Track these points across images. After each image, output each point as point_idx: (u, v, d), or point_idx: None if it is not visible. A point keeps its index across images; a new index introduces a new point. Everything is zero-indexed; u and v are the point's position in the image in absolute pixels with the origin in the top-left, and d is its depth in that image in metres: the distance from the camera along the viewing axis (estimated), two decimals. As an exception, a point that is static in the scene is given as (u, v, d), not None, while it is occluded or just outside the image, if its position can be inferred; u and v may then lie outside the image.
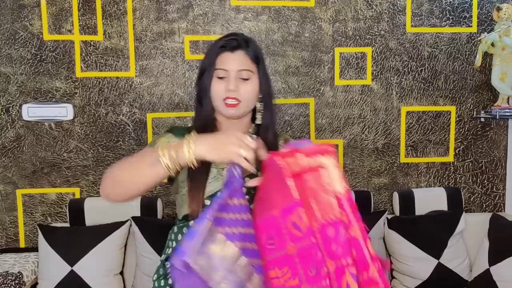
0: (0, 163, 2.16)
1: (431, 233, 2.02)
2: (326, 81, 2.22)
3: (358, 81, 2.23)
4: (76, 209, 2.05)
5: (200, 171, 1.11)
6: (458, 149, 2.29)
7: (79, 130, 2.17)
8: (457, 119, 2.27)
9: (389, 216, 2.13)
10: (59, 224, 2.14)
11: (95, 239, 1.95)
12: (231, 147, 0.95)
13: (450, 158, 2.29)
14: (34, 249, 2.11)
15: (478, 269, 1.98)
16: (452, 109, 2.27)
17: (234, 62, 1.18)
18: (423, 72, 2.25)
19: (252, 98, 1.21)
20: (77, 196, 2.18)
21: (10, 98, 2.14)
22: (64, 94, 2.15)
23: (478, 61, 2.09)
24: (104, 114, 2.17)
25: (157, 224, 2.01)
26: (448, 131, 2.28)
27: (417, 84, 2.25)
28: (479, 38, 2.12)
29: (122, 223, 2.01)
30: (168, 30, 2.16)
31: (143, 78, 2.17)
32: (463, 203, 2.20)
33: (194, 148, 0.96)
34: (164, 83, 2.18)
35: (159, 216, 2.11)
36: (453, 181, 2.30)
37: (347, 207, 0.94)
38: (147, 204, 2.07)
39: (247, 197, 1.04)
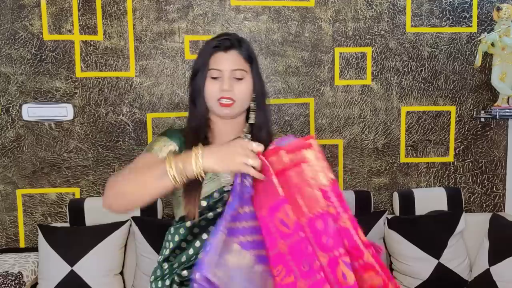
0: (0, 163, 2.16)
1: (431, 233, 2.02)
2: (326, 81, 2.22)
3: (358, 81, 2.23)
4: (76, 209, 2.05)
5: None
6: (458, 149, 2.29)
7: (79, 130, 2.17)
8: (457, 119, 2.27)
9: (389, 216, 2.13)
10: (59, 224, 2.14)
11: (95, 239, 1.95)
12: (238, 158, 0.94)
13: (450, 158, 2.29)
14: (34, 249, 2.11)
15: (478, 269, 1.98)
16: (452, 109, 2.27)
17: (227, 62, 1.18)
18: (423, 72, 2.25)
19: (246, 98, 1.21)
20: (77, 196, 2.19)
21: (10, 98, 2.14)
22: (64, 94, 2.15)
23: (478, 61, 2.09)
24: (104, 114, 2.17)
25: (157, 224, 2.01)
26: (448, 131, 2.28)
27: (417, 84, 2.25)
28: (479, 38, 2.12)
29: (122, 223, 2.01)
30: (168, 30, 2.16)
31: (143, 78, 2.17)
32: (463, 203, 2.20)
33: (201, 161, 0.96)
34: (164, 83, 2.18)
35: (159, 216, 2.11)
36: (453, 181, 2.30)
37: (334, 198, 0.94)
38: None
39: None
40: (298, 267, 0.94)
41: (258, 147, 0.97)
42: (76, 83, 2.15)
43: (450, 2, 2.22)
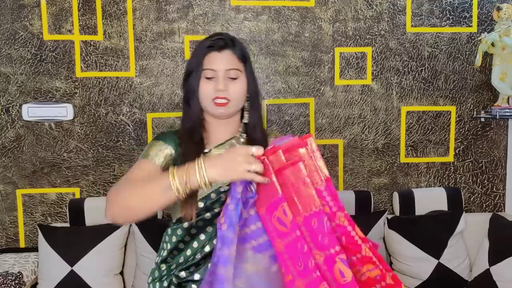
0: (0, 163, 2.16)
1: (431, 233, 2.02)
2: (326, 81, 2.22)
3: (358, 81, 2.23)
4: (76, 209, 2.05)
5: None
6: (458, 149, 2.29)
7: (79, 130, 2.17)
8: (457, 119, 2.27)
9: (389, 216, 2.13)
10: (59, 224, 2.14)
11: (95, 239, 1.95)
12: (241, 166, 0.95)
13: (450, 158, 2.29)
14: (34, 249, 2.11)
15: (478, 269, 1.98)
16: (452, 109, 2.27)
17: (222, 62, 1.18)
18: (423, 72, 2.25)
19: (241, 97, 1.21)
20: (77, 196, 2.19)
21: (10, 98, 2.14)
22: (64, 94, 2.15)
23: (478, 61, 2.09)
24: (104, 114, 2.17)
25: (157, 224, 2.01)
26: (448, 131, 2.28)
27: (417, 84, 2.25)
28: (479, 38, 2.12)
29: (122, 223, 2.01)
30: (168, 30, 2.16)
31: (143, 78, 2.17)
32: (463, 203, 2.20)
33: (205, 173, 0.96)
34: (164, 83, 2.18)
35: (159, 216, 2.11)
36: (453, 181, 2.30)
37: (328, 198, 0.96)
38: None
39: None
40: (294, 266, 0.95)
41: (258, 150, 0.97)
42: (76, 83, 2.15)
43: (450, 2, 2.22)
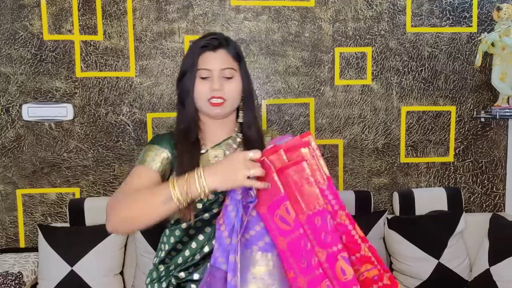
0: (0, 163, 2.16)
1: (431, 233, 2.02)
2: (326, 81, 2.22)
3: (358, 81, 2.23)
4: (76, 209, 2.05)
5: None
6: (458, 149, 2.29)
7: (79, 130, 2.17)
8: (457, 119, 2.27)
9: (389, 216, 2.13)
10: (59, 224, 2.14)
11: (95, 239, 1.95)
12: (240, 174, 0.95)
13: (450, 158, 2.29)
14: (34, 249, 2.11)
15: (478, 269, 1.98)
16: (452, 109, 2.27)
17: (216, 61, 1.18)
18: (423, 72, 2.25)
19: (236, 97, 1.21)
20: (77, 196, 2.19)
21: (10, 98, 2.14)
22: (64, 94, 2.15)
23: (478, 61, 2.09)
24: (104, 114, 2.17)
25: (157, 224, 2.01)
26: (448, 131, 2.28)
27: (417, 84, 2.25)
28: (479, 38, 2.12)
29: (122, 223, 2.00)
30: (168, 30, 2.16)
31: (143, 78, 2.17)
32: (463, 203, 2.20)
33: (204, 182, 0.97)
34: (164, 83, 2.18)
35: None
36: (453, 181, 2.30)
37: (330, 196, 0.97)
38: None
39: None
40: (297, 264, 0.96)
41: (255, 154, 0.97)
42: (76, 83, 2.15)
43: (450, 2, 2.22)
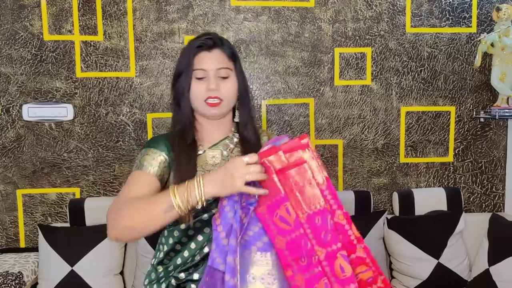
0: (0, 163, 2.16)
1: (431, 233, 2.02)
2: (326, 81, 2.23)
3: (358, 81, 2.23)
4: (76, 209, 2.05)
5: (187, 176, 1.12)
6: (457, 149, 2.29)
7: (79, 130, 2.17)
8: (457, 119, 2.28)
9: (389, 216, 2.13)
10: (59, 224, 2.14)
11: (95, 239, 1.95)
12: (238, 180, 0.96)
13: (449, 158, 2.29)
14: (34, 249, 2.11)
15: (478, 269, 1.98)
16: (452, 109, 2.27)
17: (212, 61, 1.18)
18: (422, 73, 2.25)
19: (233, 96, 1.21)
20: (77, 196, 2.19)
21: (10, 98, 2.14)
22: (64, 94, 2.15)
23: (478, 61, 2.09)
24: (104, 114, 2.17)
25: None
26: (447, 131, 2.28)
27: (416, 84, 2.25)
28: (478, 39, 2.13)
29: (122, 223, 2.01)
30: (168, 30, 2.16)
31: (143, 78, 2.17)
32: (463, 203, 2.20)
33: (204, 190, 0.98)
34: (164, 83, 2.18)
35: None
36: (452, 181, 2.31)
37: (328, 195, 0.98)
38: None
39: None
40: (296, 262, 0.97)
41: (251, 159, 0.98)
42: (76, 83, 2.15)
43: (450, 2, 2.22)
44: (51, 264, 1.93)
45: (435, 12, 2.22)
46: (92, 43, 2.14)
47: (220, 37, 1.23)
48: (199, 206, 1.00)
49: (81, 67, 2.14)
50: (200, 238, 1.17)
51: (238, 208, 1.00)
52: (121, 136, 2.19)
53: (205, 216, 1.16)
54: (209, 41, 1.19)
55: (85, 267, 1.91)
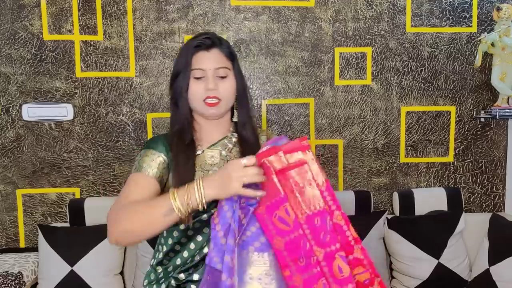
0: (0, 163, 2.16)
1: (431, 233, 2.02)
2: (326, 81, 2.22)
3: (358, 81, 2.23)
4: (76, 209, 2.05)
5: (186, 177, 1.11)
6: (458, 149, 2.29)
7: (79, 130, 2.17)
8: (457, 119, 2.27)
9: (389, 216, 2.13)
10: (59, 224, 2.14)
11: (95, 239, 1.95)
12: (236, 183, 0.96)
13: (450, 158, 2.29)
14: (34, 249, 2.11)
15: (478, 269, 1.98)
16: (452, 109, 2.27)
17: (210, 61, 1.17)
18: (423, 72, 2.25)
19: (231, 96, 1.20)
20: (77, 196, 2.19)
21: (10, 98, 2.14)
22: (64, 94, 2.15)
23: (478, 61, 2.09)
24: (104, 114, 2.17)
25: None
26: (448, 131, 2.28)
27: (417, 84, 2.25)
28: (479, 38, 2.12)
29: (122, 223, 2.01)
30: (168, 30, 2.16)
31: (143, 78, 2.17)
32: (463, 203, 2.20)
33: (204, 192, 0.99)
34: (164, 83, 2.18)
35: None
36: (453, 181, 2.30)
37: (327, 197, 0.99)
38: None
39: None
40: (295, 262, 0.97)
41: (249, 161, 0.98)
42: (76, 83, 2.15)
43: (450, 2, 2.22)
44: (51, 264, 1.93)
45: (436, 11, 2.22)
46: (92, 43, 2.14)
47: (218, 36, 1.22)
48: (200, 209, 1.00)
49: (81, 67, 2.14)
50: (199, 238, 1.17)
51: (236, 208, 1.00)
52: (121, 136, 2.19)
53: (205, 216, 1.16)
54: (207, 41, 1.19)
55: (85, 267, 1.91)
